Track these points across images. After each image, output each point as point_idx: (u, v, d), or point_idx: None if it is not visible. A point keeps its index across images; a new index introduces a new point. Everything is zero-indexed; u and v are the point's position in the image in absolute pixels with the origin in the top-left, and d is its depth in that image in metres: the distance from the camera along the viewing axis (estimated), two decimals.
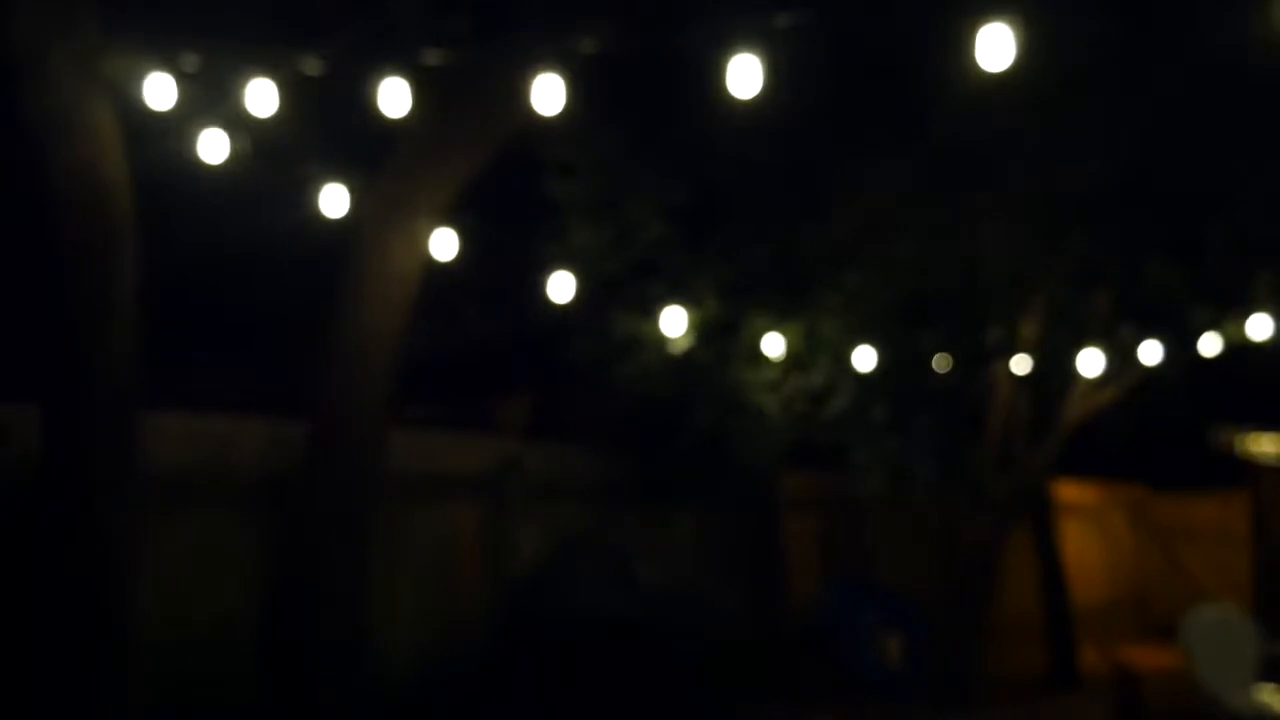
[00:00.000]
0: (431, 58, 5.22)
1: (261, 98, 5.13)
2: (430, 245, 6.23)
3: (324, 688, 5.92)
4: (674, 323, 8.24)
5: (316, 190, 6.00)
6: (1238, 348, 9.18)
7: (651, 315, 8.32)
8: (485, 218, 6.72)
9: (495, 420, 9.83)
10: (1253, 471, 12.66)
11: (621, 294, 8.22)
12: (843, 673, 9.74)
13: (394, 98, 5.04)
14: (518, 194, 7.64)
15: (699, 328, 8.40)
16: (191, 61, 4.98)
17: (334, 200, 5.98)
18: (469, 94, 5.93)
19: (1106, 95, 6.38)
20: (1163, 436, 11.90)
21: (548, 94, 4.85)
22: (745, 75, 4.55)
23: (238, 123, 5.36)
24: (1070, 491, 13.74)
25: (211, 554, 5.98)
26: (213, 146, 5.40)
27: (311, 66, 5.06)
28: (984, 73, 4.32)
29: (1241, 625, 8.61)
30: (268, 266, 8.34)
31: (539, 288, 7.44)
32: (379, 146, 6.08)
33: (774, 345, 8.49)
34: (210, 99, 5.24)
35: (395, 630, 6.90)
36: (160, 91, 4.97)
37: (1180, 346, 9.07)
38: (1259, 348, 9.14)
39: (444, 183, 6.21)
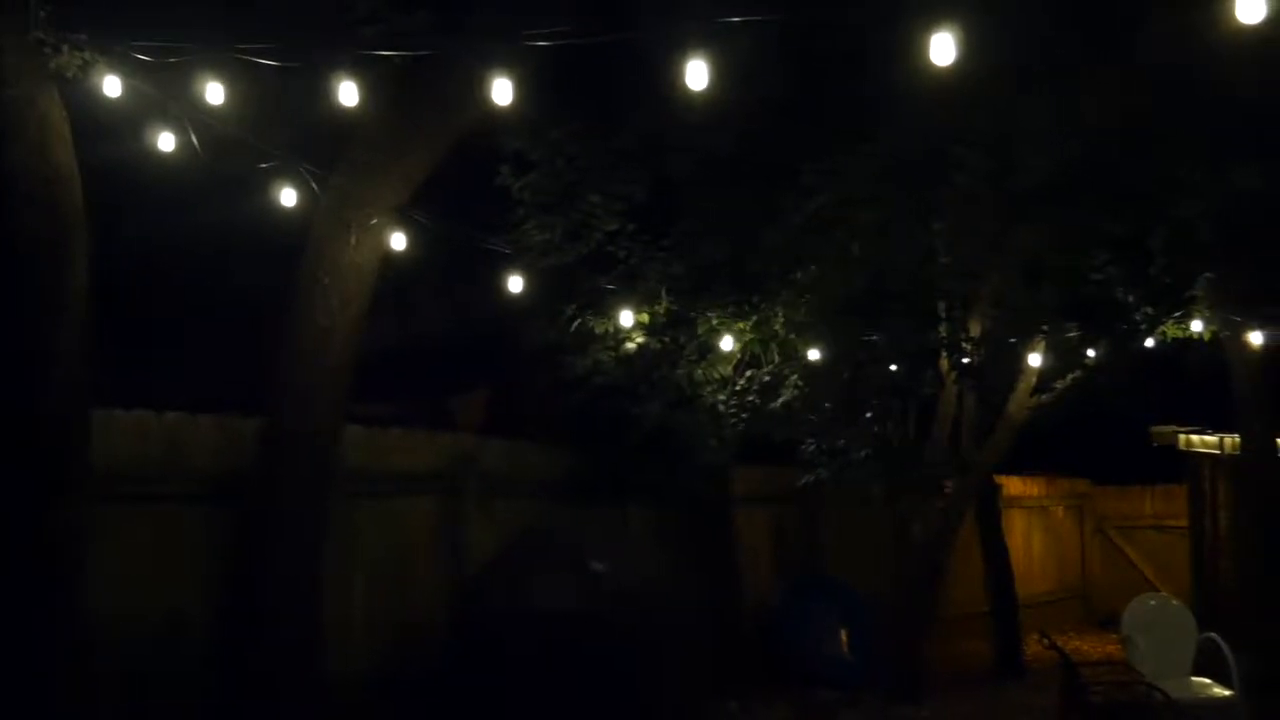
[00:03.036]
0: (389, 52, 5.22)
1: (215, 91, 5.10)
2: (387, 240, 6.22)
3: (278, 684, 5.90)
4: (627, 318, 8.30)
5: (272, 185, 5.98)
6: (1179, 345, 9.41)
7: (605, 310, 8.36)
8: (442, 212, 6.72)
9: (452, 416, 9.83)
10: (1191, 466, 12.96)
11: (576, 288, 8.26)
12: (795, 665, 9.85)
13: (349, 91, 5.03)
14: (475, 188, 7.64)
15: (652, 323, 8.46)
16: (144, 54, 4.94)
17: (289, 195, 5.96)
18: (426, 88, 5.94)
19: (1055, 94, 6.50)
20: (1106, 432, 12.15)
21: (504, 88, 4.87)
22: (698, 70, 4.59)
23: (191, 116, 5.32)
24: (1016, 486, 13.98)
25: (165, 550, 5.93)
26: (165, 140, 5.36)
27: (267, 59, 5.03)
28: (934, 68, 4.40)
29: (1180, 615, 8.82)
30: (223, 262, 8.28)
31: (495, 282, 7.46)
32: (336, 141, 6.06)
33: (727, 341, 8.57)
34: (163, 92, 5.19)
35: (350, 626, 6.88)
36: (112, 85, 4.93)
37: (1123, 344, 9.27)
38: (1199, 346, 9.39)
39: (401, 178, 6.21)
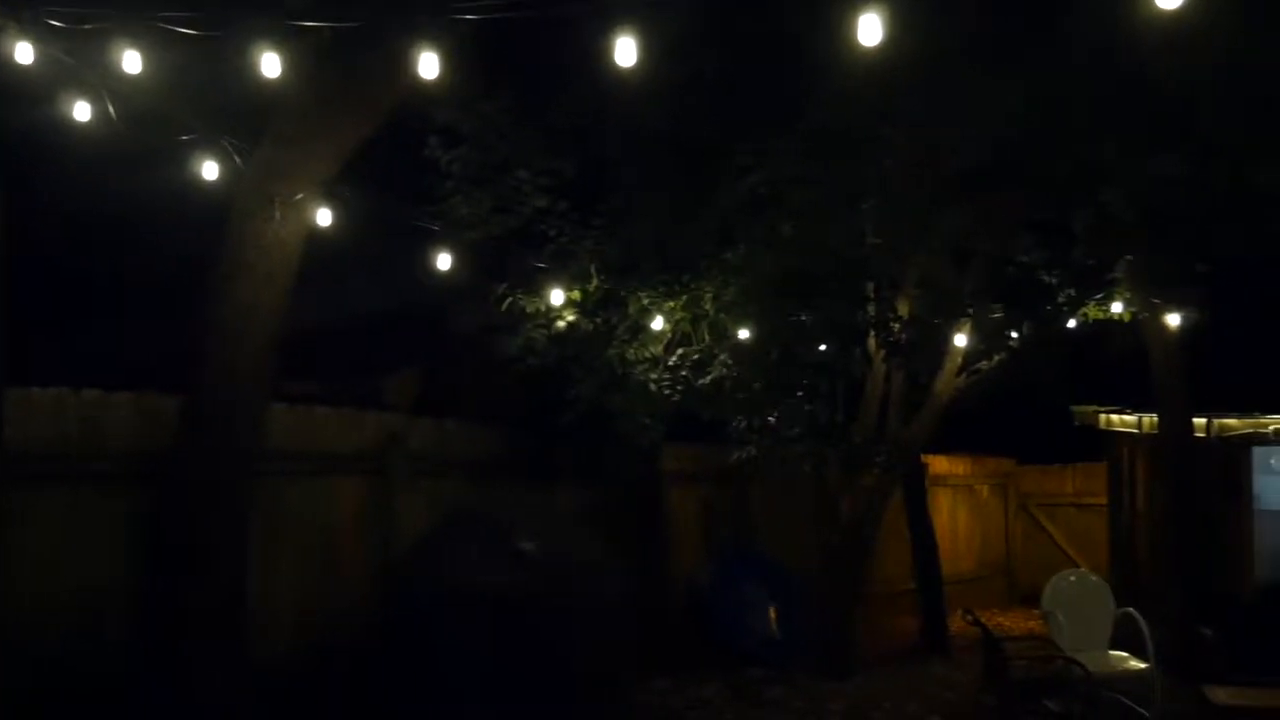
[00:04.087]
0: (315, 23, 5.13)
1: (132, 60, 4.97)
2: (313, 215, 6.13)
3: (200, 667, 5.82)
4: (558, 296, 8.27)
5: (194, 158, 5.86)
6: (1100, 327, 9.60)
7: (537, 288, 8.33)
8: (371, 186, 6.64)
9: (381, 396, 9.73)
10: (1111, 445, 13.27)
11: (507, 267, 8.21)
12: (725, 642, 9.93)
13: (271, 63, 4.93)
14: (404, 163, 7.56)
15: (584, 301, 8.44)
16: (57, 20, 4.80)
17: (212, 168, 5.85)
18: (355, 61, 5.84)
19: (981, 77, 6.57)
20: (1030, 412, 12.38)
21: (431, 62, 4.82)
22: (626, 46, 4.58)
23: (108, 85, 5.19)
24: (942, 465, 14.20)
25: (83, 529, 5.81)
26: (81, 110, 5.22)
27: (187, 29, 4.92)
28: (861, 49, 4.43)
29: (1098, 590, 9.04)
30: (145, 236, 8.11)
31: (426, 259, 7.39)
32: (261, 114, 5.95)
33: (658, 321, 8.58)
34: (79, 60, 5.06)
35: (275, 607, 6.81)
36: (24, 52, 4.79)
37: (1046, 325, 9.44)
38: (1119, 327, 9.59)
39: (328, 152, 6.12)
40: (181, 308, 6.29)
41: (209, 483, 5.98)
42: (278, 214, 5.95)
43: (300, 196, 6.00)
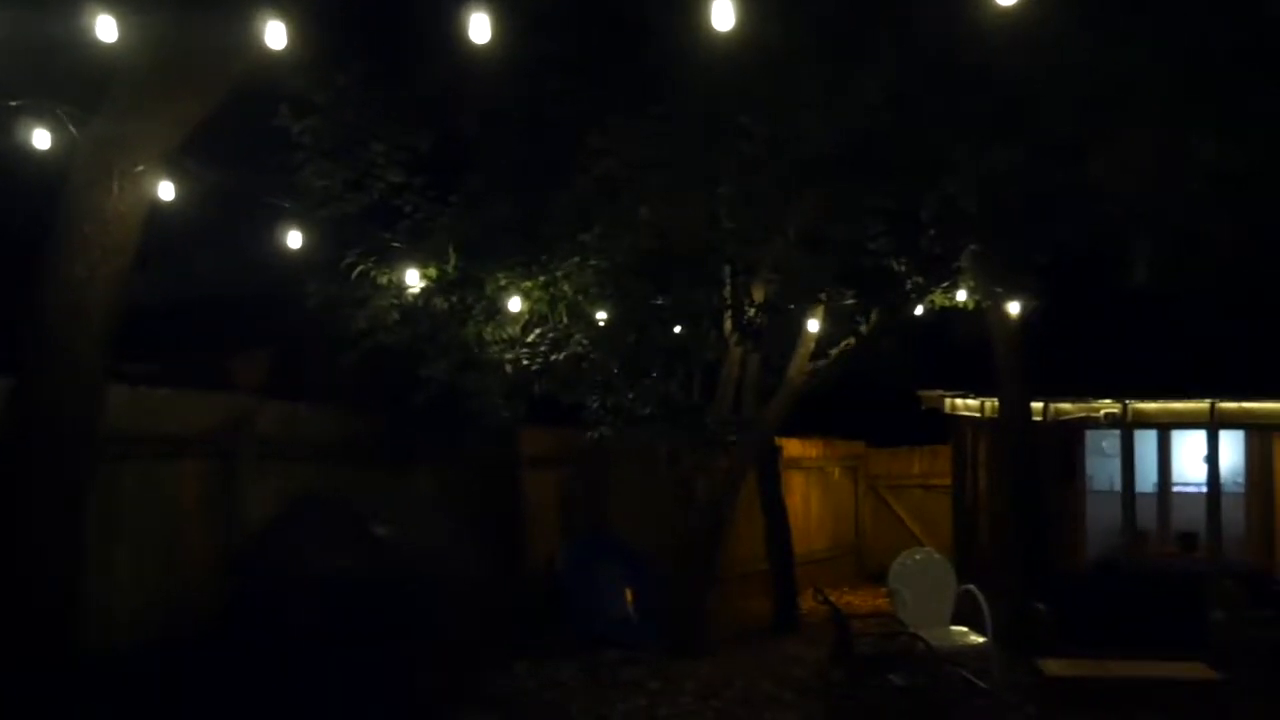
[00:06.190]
0: None
1: None
2: (155, 188, 5.90)
3: (31, 657, 5.57)
4: (410, 272, 8.13)
5: (23, 125, 5.57)
6: (946, 314, 9.92)
7: (388, 264, 8.18)
8: (219, 159, 6.42)
9: (230, 376, 9.43)
10: (955, 428, 13.77)
11: (358, 240, 8.04)
12: (582, 625, 9.96)
13: (107, 27, 4.72)
14: (255, 136, 7.32)
15: (440, 279, 8.33)
16: None
17: (43, 137, 5.57)
18: (201, 28, 5.62)
19: (832, 65, 6.70)
20: (879, 396, 12.73)
21: (279, 31, 4.69)
22: (480, 23, 4.54)
23: None
24: (795, 448, 14.50)
25: None
26: None
27: None
28: (715, 34, 4.48)
29: (941, 568, 9.38)
30: None
31: (277, 235, 7.18)
32: (100, 82, 5.69)
33: (514, 301, 8.53)
34: None
35: (112, 596, 6.57)
36: None
37: (895, 312, 9.71)
38: (964, 314, 9.93)
39: (171, 122, 5.89)
40: (11, 283, 5.98)
41: (41, 468, 5.71)
42: (117, 186, 5.72)
43: (141, 168, 5.77)
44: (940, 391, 13.79)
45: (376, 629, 6.62)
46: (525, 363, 8.83)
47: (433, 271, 8.26)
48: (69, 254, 5.72)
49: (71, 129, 5.73)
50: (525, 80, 7.05)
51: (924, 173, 7.64)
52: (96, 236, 5.74)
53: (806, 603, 11.63)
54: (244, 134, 7.14)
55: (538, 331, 8.95)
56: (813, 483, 15.33)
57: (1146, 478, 12.28)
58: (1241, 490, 12.20)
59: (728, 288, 9.47)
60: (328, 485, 8.14)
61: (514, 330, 8.83)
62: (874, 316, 9.73)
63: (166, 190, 6.03)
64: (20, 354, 5.76)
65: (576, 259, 8.45)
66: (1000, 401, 11.21)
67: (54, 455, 5.76)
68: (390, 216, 8.13)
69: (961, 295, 9.56)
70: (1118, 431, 11.96)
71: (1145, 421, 11.82)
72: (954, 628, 8.89)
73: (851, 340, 9.89)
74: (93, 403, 5.92)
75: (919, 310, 9.72)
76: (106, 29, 4.71)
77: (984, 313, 10.08)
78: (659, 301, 8.83)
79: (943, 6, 5.99)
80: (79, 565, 5.87)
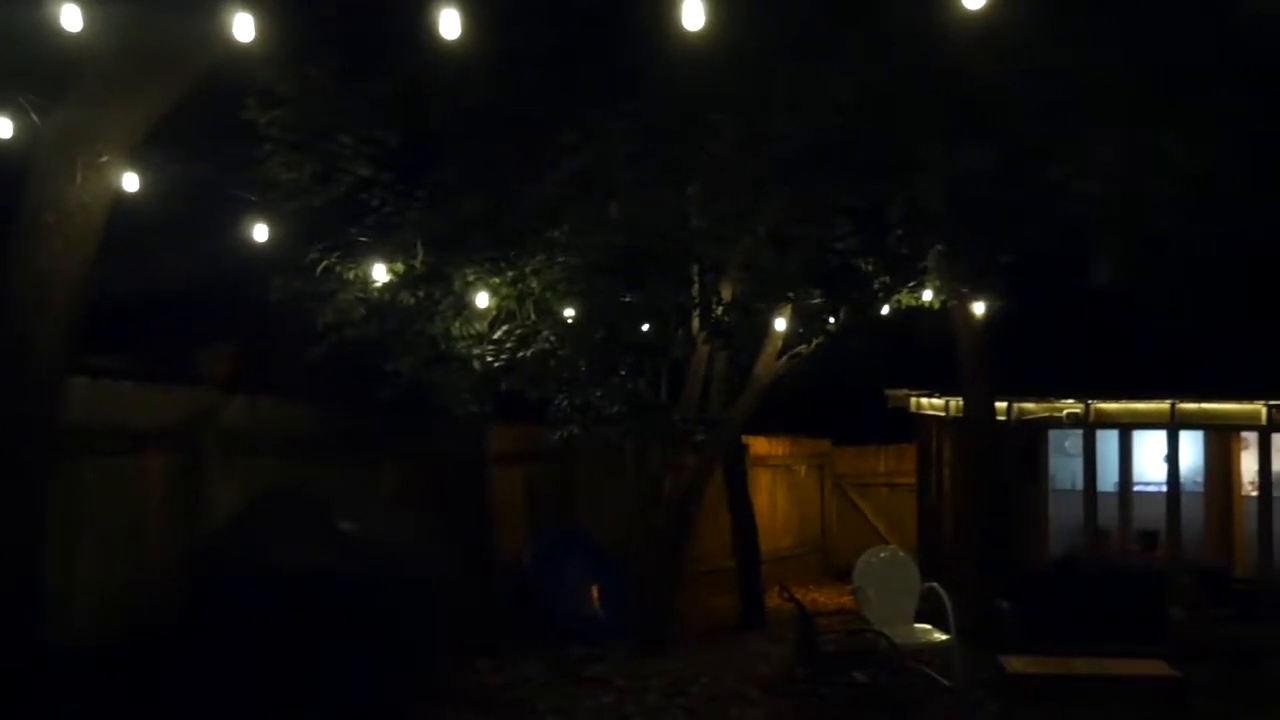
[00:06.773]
0: None
1: None
2: (119, 179, 5.84)
3: None
4: (378, 267, 8.10)
5: None
6: (912, 313, 9.99)
7: (355, 258, 8.13)
8: (186, 151, 6.36)
9: (196, 371, 9.34)
10: (920, 427, 13.87)
11: (324, 234, 7.99)
12: (548, 622, 9.96)
13: (71, 15, 4.66)
14: (222, 127, 7.25)
15: (407, 274, 8.29)
16: None
17: (5, 126, 5.50)
18: (168, 17, 5.57)
19: (802, 64, 6.72)
20: (846, 395, 12.79)
21: (246, 23, 4.65)
22: (451, 17, 4.52)
23: None
24: (763, 446, 14.55)
25: None
26: None
27: None
28: (685, 32, 4.48)
29: (905, 566, 9.45)
30: None
31: (243, 228, 7.12)
32: (64, 71, 5.63)
33: (482, 297, 8.50)
34: None
35: (75, 593, 6.50)
36: None
37: (861, 311, 9.76)
38: (929, 314, 10.00)
39: (136, 113, 5.83)
40: None
41: (2, 460, 5.64)
42: (80, 176, 5.66)
43: (105, 159, 5.72)
44: (906, 390, 13.89)
45: (342, 624, 6.58)
46: (490, 359, 8.80)
47: (400, 266, 8.22)
48: (31, 244, 5.66)
49: (34, 118, 5.67)
50: (495, 76, 7.01)
51: (893, 173, 7.68)
52: (60, 226, 5.68)
53: (772, 600, 11.67)
54: (211, 126, 7.07)
55: (505, 328, 8.93)
56: (779, 481, 15.38)
57: (1108, 477, 12.42)
58: (1201, 490, 12.37)
59: (696, 286, 9.48)
60: (294, 480, 8.08)
61: (482, 326, 8.80)
62: (841, 315, 9.77)
63: (131, 181, 5.97)
64: None
65: (545, 255, 8.43)
66: (965, 401, 11.30)
67: (13, 448, 5.69)
68: (358, 211, 8.08)
69: (928, 295, 9.63)
70: (1080, 431, 12.10)
71: (1107, 421, 11.97)
72: (918, 625, 8.96)
73: (819, 339, 9.92)
74: (55, 396, 5.86)
75: (886, 309, 9.78)
76: (71, 18, 4.65)
77: (949, 312, 10.16)
78: (627, 299, 8.83)
79: (913, 8, 6.02)
80: (39, 559, 5.80)
